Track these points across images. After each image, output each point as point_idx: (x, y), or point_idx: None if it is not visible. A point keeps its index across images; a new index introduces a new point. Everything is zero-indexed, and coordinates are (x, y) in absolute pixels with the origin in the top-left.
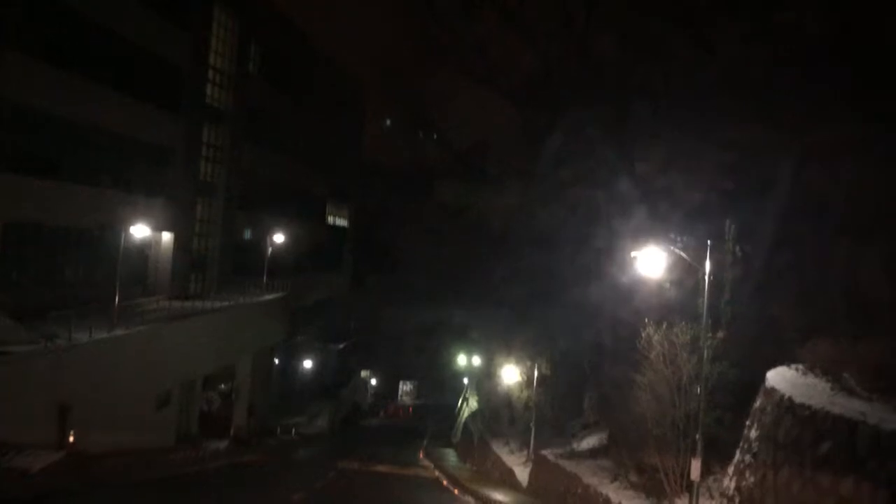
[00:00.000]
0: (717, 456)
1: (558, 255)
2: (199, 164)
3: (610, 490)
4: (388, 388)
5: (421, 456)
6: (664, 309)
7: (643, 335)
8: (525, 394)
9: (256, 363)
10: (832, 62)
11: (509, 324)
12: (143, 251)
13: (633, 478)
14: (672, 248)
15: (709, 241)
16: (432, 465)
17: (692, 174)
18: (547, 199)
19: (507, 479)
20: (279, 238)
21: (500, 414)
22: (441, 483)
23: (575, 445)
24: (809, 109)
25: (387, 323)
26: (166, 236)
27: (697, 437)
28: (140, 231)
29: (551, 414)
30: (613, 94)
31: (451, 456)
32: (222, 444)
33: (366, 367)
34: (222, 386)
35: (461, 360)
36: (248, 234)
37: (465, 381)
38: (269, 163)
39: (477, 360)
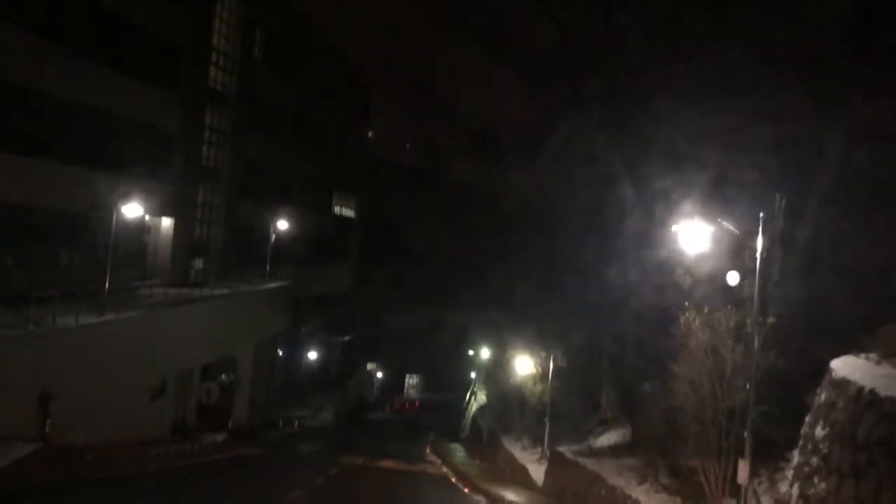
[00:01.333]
0: (764, 456)
1: (577, 240)
2: (201, 149)
3: (639, 493)
4: (394, 382)
5: (428, 451)
6: (699, 294)
7: (682, 320)
8: (539, 387)
9: (258, 354)
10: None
11: (522, 314)
12: (142, 236)
13: (665, 479)
14: (719, 221)
15: (762, 214)
16: (440, 461)
17: (729, 149)
18: (566, 179)
19: (519, 477)
20: (283, 225)
21: (511, 408)
22: (449, 480)
23: (592, 442)
24: (858, 80)
25: (393, 315)
26: (166, 221)
27: (746, 434)
28: (132, 210)
29: (567, 409)
30: (640, 65)
31: (459, 451)
32: (220, 437)
33: (372, 361)
34: (223, 377)
35: (470, 352)
36: (251, 223)
37: (473, 375)
38: (274, 150)
39: (486, 353)
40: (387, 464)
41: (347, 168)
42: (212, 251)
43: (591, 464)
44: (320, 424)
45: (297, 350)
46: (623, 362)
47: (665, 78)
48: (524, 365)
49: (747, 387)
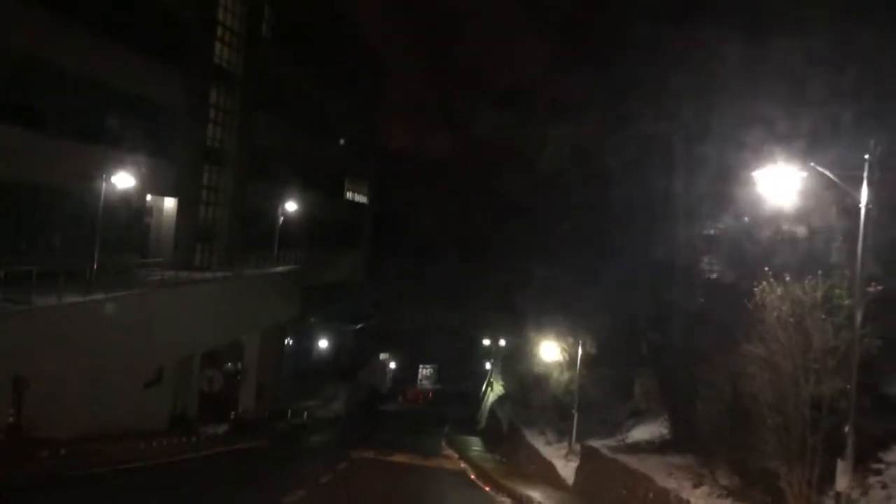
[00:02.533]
0: (856, 455)
1: (615, 210)
2: (206, 128)
3: (697, 498)
4: (408, 373)
5: (443, 445)
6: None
7: (757, 291)
8: (566, 376)
9: (266, 342)
10: None
11: (547, 297)
12: (143, 217)
13: (726, 481)
14: (812, 165)
15: (866, 157)
16: (457, 456)
17: (797, 96)
18: (607, 136)
19: (545, 475)
20: (291, 206)
21: (532, 399)
22: (468, 477)
23: (625, 436)
24: None
25: (406, 304)
26: (169, 202)
27: (847, 429)
28: (122, 181)
29: (596, 400)
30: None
31: (476, 445)
32: (221, 429)
33: (384, 351)
34: (229, 365)
35: (485, 342)
36: (259, 207)
37: (488, 365)
38: (283, 132)
39: (503, 342)
40: (400, 458)
41: (360, 153)
42: (218, 235)
43: (634, 462)
44: (331, 415)
45: (307, 339)
46: (666, 345)
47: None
48: (550, 352)
49: (835, 371)
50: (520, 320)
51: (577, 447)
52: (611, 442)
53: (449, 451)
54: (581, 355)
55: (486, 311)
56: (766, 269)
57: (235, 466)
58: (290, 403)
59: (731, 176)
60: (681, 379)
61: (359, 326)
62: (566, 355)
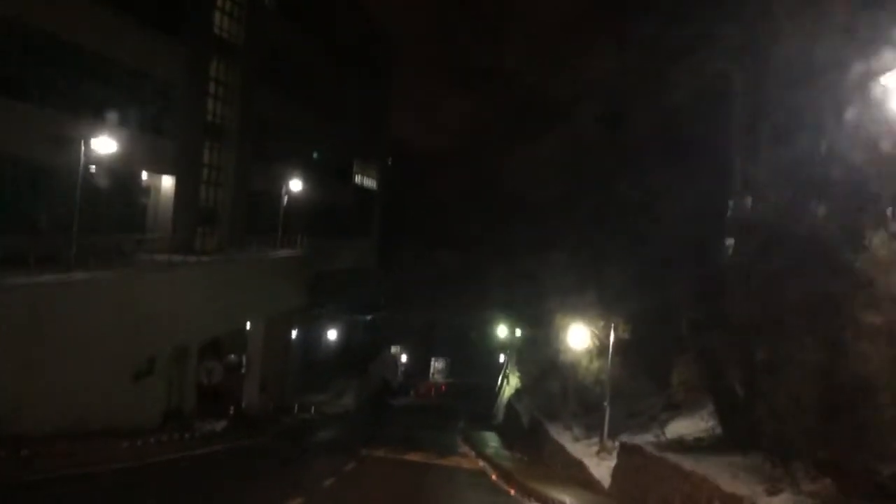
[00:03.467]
0: None
1: (647, 162)
2: (206, 102)
3: None
4: (419, 366)
5: (459, 441)
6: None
7: (871, 243)
8: (596, 364)
9: (270, 331)
10: None
11: (577, 277)
12: (138, 196)
13: (810, 485)
14: None
15: None
16: (474, 453)
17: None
18: (649, 76)
19: (575, 475)
20: (296, 186)
21: (555, 391)
22: (489, 478)
23: (662, 432)
24: None
25: (418, 296)
26: (167, 181)
27: None
28: (103, 146)
29: (628, 390)
30: None
31: (494, 441)
32: (220, 425)
33: (395, 343)
34: (232, 357)
35: (500, 333)
36: (264, 188)
37: (502, 358)
38: (289, 110)
39: (519, 332)
40: (413, 457)
41: (370, 136)
42: (220, 218)
43: (686, 462)
44: (340, 410)
45: (315, 330)
46: (714, 323)
47: None
48: (578, 338)
49: None
50: (540, 306)
51: (610, 444)
52: (649, 438)
53: (465, 448)
54: (613, 341)
55: (501, 301)
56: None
57: (229, 467)
58: (297, 397)
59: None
60: (737, 362)
61: (369, 318)
62: (596, 341)
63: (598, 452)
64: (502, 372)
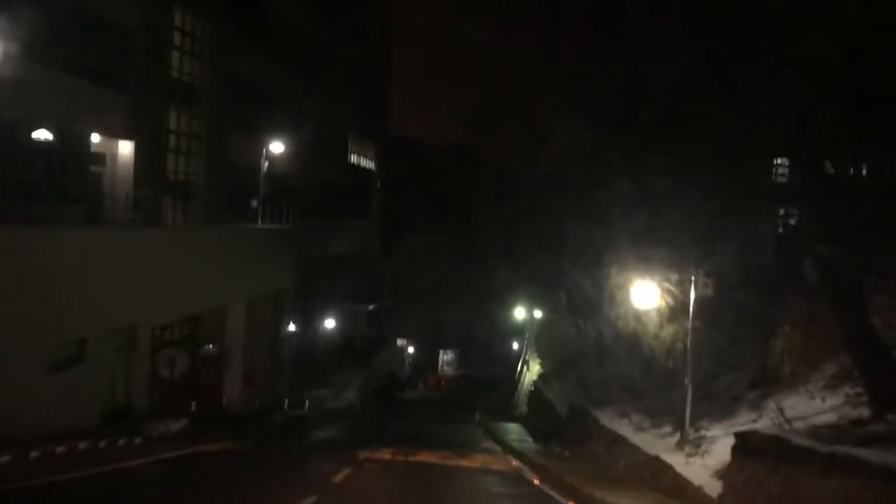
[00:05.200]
0: None
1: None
2: (170, 56)
3: None
4: (428, 359)
5: (480, 435)
6: None
7: None
8: (669, 330)
9: (254, 317)
10: None
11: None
12: (87, 161)
13: None
14: None
15: None
16: (500, 448)
17: None
18: None
19: (651, 477)
20: (277, 148)
21: (593, 372)
22: (530, 482)
23: (778, 415)
24: None
25: (424, 284)
26: (125, 147)
27: None
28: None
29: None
30: None
31: (521, 434)
32: (178, 426)
33: (402, 335)
34: (209, 346)
35: (519, 313)
36: (246, 163)
37: (515, 346)
38: (272, 71)
39: (539, 313)
40: (427, 457)
41: (367, 111)
42: (195, 192)
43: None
44: (343, 405)
45: (314, 321)
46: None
47: None
48: (645, 296)
49: None
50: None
51: (693, 433)
52: (765, 423)
53: (489, 443)
54: (694, 298)
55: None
56: None
57: (170, 485)
58: (293, 393)
59: None
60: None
61: (371, 308)
62: (669, 300)
63: (679, 446)
64: (521, 358)
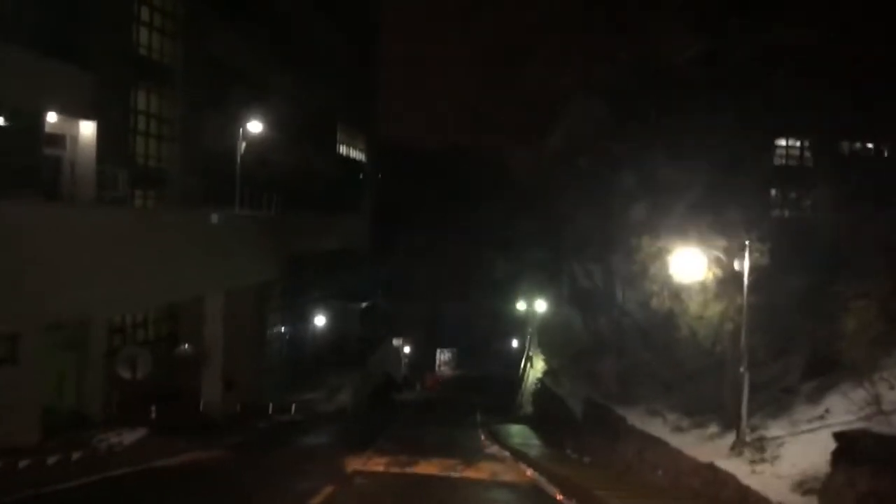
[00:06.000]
0: None
1: None
2: (137, 31)
3: None
4: (424, 359)
5: (483, 439)
6: None
7: None
8: (715, 309)
9: (233, 313)
10: None
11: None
12: (39, 143)
13: None
14: None
15: None
16: (508, 454)
17: None
18: None
19: (705, 490)
20: (256, 128)
21: (608, 365)
22: (553, 499)
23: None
24: None
25: (419, 282)
26: (87, 128)
27: None
28: None
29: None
30: None
31: (529, 437)
32: (134, 435)
33: (397, 335)
34: (186, 346)
35: (521, 305)
36: (224, 149)
37: (515, 343)
38: (253, 57)
39: (542, 306)
40: (427, 468)
41: (356, 98)
42: (167, 179)
43: None
44: (335, 408)
45: (305, 320)
46: None
47: None
48: (688, 266)
49: None
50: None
51: (748, 434)
52: (847, 420)
53: (494, 448)
54: (748, 268)
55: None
56: None
57: None
58: (282, 396)
59: None
60: None
61: (364, 305)
62: (718, 271)
63: (734, 450)
64: (524, 355)
